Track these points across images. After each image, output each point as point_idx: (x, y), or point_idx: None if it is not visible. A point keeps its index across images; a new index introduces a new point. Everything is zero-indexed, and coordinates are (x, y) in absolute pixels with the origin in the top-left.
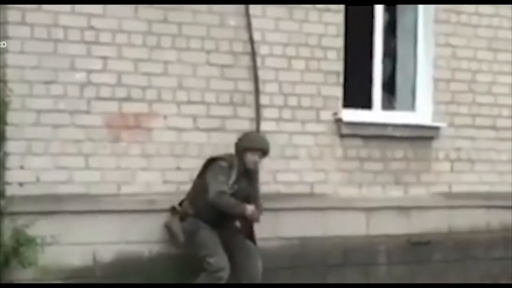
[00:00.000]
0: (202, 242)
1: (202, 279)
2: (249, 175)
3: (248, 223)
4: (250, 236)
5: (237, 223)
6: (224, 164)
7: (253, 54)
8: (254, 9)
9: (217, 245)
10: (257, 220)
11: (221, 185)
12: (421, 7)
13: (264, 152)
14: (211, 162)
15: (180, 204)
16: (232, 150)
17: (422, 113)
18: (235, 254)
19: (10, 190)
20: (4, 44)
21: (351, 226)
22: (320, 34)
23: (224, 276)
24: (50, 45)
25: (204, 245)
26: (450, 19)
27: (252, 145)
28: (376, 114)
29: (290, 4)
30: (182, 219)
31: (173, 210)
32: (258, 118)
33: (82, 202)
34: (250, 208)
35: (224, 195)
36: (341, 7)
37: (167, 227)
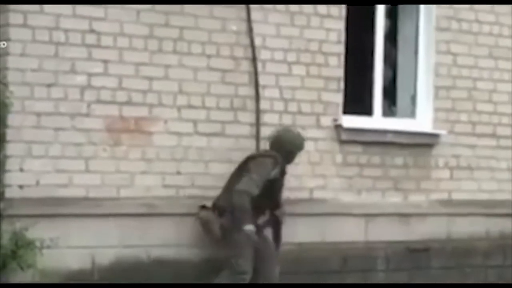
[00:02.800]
0: (239, 241)
1: (224, 278)
2: (283, 174)
3: (278, 225)
4: (277, 239)
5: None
6: (269, 162)
7: (254, 59)
8: (255, 14)
9: (249, 247)
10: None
11: (251, 186)
12: (422, 15)
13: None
14: (256, 158)
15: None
16: (232, 155)
17: (422, 120)
18: (256, 256)
19: (9, 193)
20: (4, 44)
21: (350, 232)
22: (321, 40)
23: (247, 279)
24: (51, 48)
25: (240, 245)
26: (451, 27)
27: (300, 148)
28: (376, 120)
29: (291, 8)
30: (220, 214)
31: (204, 206)
32: (258, 123)
33: (81, 206)
34: (249, 229)
35: (246, 197)
36: (343, 13)
37: (203, 222)
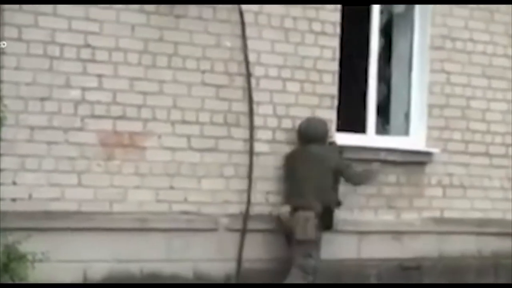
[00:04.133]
0: (319, 241)
1: (296, 278)
2: None
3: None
4: (330, 222)
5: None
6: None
7: (248, 75)
8: (250, 30)
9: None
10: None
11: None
12: (416, 33)
13: None
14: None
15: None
16: (225, 171)
17: (415, 138)
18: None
19: (2, 206)
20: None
21: (342, 249)
22: (316, 57)
23: (313, 281)
24: (46, 62)
25: (316, 244)
26: (445, 46)
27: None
28: (370, 138)
29: (285, 24)
30: (316, 215)
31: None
32: (251, 139)
33: (74, 219)
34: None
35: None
36: (337, 31)
37: (301, 220)
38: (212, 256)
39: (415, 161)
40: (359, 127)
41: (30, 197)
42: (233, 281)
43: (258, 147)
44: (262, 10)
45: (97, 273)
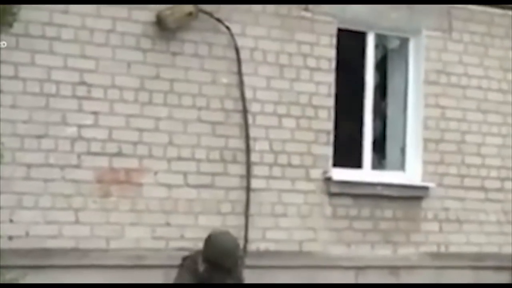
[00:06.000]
0: None
1: None
2: None
3: None
4: None
5: None
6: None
7: (244, 111)
8: (245, 67)
9: None
10: None
11: None
12: (411, 68)
13: None
14: None
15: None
16: (222, 207)
17: (411, 173)
18: None
19: None
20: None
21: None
22: (311, 93)
23: None
24: (42, 100)
25: None
26: (440, 80)
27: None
28: (366, 173)
29: (280, 60)
30: None
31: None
32: (248, 176)
33: (71, 257)
34: None
35: None
36: (332, 66)
37: None
38: None
39: (411, 195)
40: (355, 162)
41: (27, 234)
42: None
43: (255, 183)
44: (258, 46)
45: None
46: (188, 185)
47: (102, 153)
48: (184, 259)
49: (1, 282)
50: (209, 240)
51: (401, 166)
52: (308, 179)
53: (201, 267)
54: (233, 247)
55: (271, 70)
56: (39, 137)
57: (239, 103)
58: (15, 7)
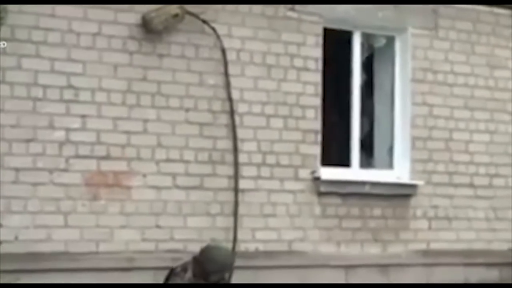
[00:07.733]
0: None
1: None
2: None
3: None
4: None
5: None
6: None
7: (232, 112)
8: (232, 68)
9: None
10: None
11: None
12: (397, 67)
13: None
14: None
15: None
16: (211, 208)
17: (399, 171)
18: None
19: None
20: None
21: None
22: (299, 93)
23: None
24: (30, 104)
25: None
26: (427, 78)
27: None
28: (354, 172)
29: (267, 61)
30: None
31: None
32: (236, 176)
33: (60, 260)
34: None
35: None
36: (319, 66)
37: None
38: None
39: (400, 194)
40: (343, 161)
41: (16, 239)
42: None
43: (244, 184)
44: (244, 47)
45: None
46: (177, 187)
47: (90, 156)
48: (174, 269)
49: None
50: (204, 253)
51: (389, 165)
52: (297, 178)
53: (189, 275)
54: (230, 263)
55: (258, 71)
56: (27, 141)
57: (226, 104)
58: (2, 11)
